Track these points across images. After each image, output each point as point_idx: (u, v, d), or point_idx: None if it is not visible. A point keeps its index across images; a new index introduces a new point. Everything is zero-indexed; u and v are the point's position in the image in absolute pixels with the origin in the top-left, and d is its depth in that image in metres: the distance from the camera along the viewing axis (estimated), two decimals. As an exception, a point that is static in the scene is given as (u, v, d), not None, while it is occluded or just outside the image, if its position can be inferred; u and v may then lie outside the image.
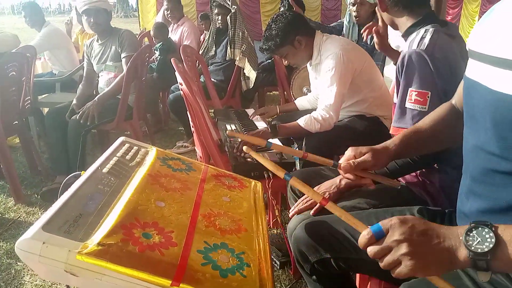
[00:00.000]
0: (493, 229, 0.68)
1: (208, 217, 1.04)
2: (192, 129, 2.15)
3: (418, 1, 1.37)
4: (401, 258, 0.71)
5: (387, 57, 3.07)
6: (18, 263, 1.97)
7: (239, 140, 1.89)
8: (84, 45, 3.06)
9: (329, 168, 1.60)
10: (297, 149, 2.49)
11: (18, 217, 2.44)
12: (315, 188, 1.39)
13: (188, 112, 2.02)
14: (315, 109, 2.03)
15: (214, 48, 3.67)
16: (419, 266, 0.70)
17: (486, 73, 0.79)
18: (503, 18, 0.78)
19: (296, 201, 1.52)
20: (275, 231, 2.18)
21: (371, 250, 0.75)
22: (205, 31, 5.02)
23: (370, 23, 1.84)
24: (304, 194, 1.44)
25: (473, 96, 0.85)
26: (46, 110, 3.34)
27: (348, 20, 3.32)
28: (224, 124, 2.32)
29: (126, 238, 0.84)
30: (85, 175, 1.04)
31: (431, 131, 1.10)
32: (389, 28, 2.93)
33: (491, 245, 0.67)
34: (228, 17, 3.37)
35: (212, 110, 3.06)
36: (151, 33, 4.28)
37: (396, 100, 1.36)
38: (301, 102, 2.47)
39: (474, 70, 0.85)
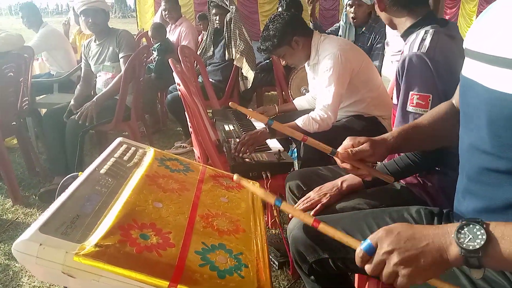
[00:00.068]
0: (484, 226, 0.68)
1: (206, 217, 1.03)
2: (190, 129, 2.15)
3: (417, 1, 1.36)
4: (396, 268, 0.72)
5: (384, 57, 3.09)
6: (16, 265, 1.96)
7: (237, 141, 1.89)
8: (82, 46, 3.06)
9: (327, 168, 1.60)
10: (295, 149, 2.49)
11: (16, 218, 2.44)
12: (316, 189, 1.38)
13: (186, 112, 2.01)
14: (313, 109, 2.03)
15: (212, 49, 3.66)
16: (415, 272, 0.71)
17: (482, 71, 0.79)
18: (499, 17, 0.78)
19: (294, 201, 1.52)
20: (274, 231, 2.18)
21: (368, 268, 0.75)
22: (203, 32, 5.02)
23: None
24: (304, 194, 1.44)
25: (469, 95, 0.85)
26: (44, 111, 3.34)
27: (344, 20, 3.32)
28: (222, 124, 2.32)
29: (124, 239, 0.83)
30: (82, 176, 1.04)
31: (430, 127, 1.09)
32: (389, 30, 2.95)
33: (482, 242, 0.67)
34: (226, 16, 3.37)
35: (210, 111, 3.06)
36: (149, 33, 4.28)
37: (395, 101, 1.36)
38: (299, 102, 2.47)
39: (470, 69, 0.85)
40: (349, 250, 1.08)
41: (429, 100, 1.21)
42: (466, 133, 0.88)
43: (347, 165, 1.08)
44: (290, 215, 1.39)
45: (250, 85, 3.58)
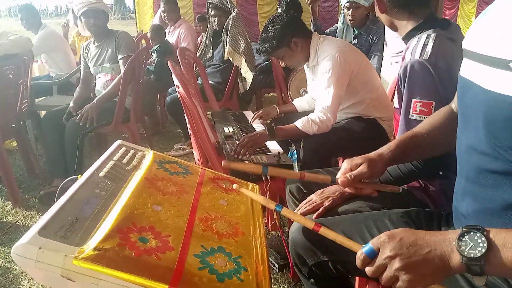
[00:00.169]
0: (485, 233, 0.68)
1: (205, 220, 1.03)
2: (190, 131, 2.15)
3: (419, 2, 1.34)
4: (397, 273, 0.72)
5: (383, 59, 3.09)
6: (16, 267, 1.96)
7: (236, 143, 1.89)
8: (81, 48, 3.06)
9: (327, 170, 1.60)
10: (295, 151, 2.49)
11: (16, 221, 2.44)
12: (319, 192, 1.38)
13: (185, 114, 2.01)
14: (313, 110, 2.03)
15: (211, 50, 3.67)
16: (416, 278, 0.71)
17: (480, 72, 0.80)
18: (497, 18, 0.78)
19: (295, 203, 1.52)
20: (274, 234, 2.18)
21: (368, 270, 0.76)
22: (202, 33, 5.02)
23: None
24: (304, 197, 1.43)
25: (466, 96, 0.85)
26: (43, 113, 3.34)
27: (342, 21, 3.33)
28: (222, 126, 2.32)
29: (123, 242, 0.83)
30: (81, 179, 1.04)
31: (428, 136, 1.09)
32: (388, 32, 2.95)
33: (483, 250, 0.67)
34: (229, 18, 3.38)
35: (210, 112, 3.06)
36: (148, 35, 4.28)
37: (397, 105, 1.35)
38: (299, 103, 2.47)
39: (468, 70, 0.85)
40: (349, 253, 1.08)
41: (432, 107, 1.20)
42: (464, 134, 0.88)
43: (349, 189, 1.09)
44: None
45: (249, 86, 3.58)
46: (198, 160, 2.12)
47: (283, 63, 2.20)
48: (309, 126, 1.95)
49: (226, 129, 2.26)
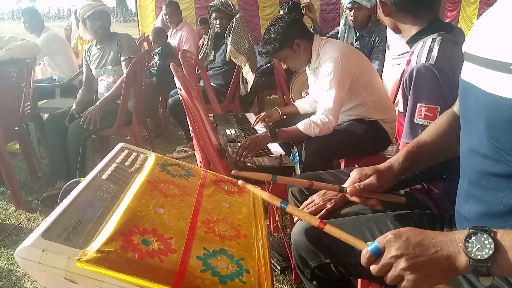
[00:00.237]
0: (492, 234, 0.68)
1: (207, 223, 1.04)
2: (192, 134, 2.15)
3: (424, 6, 1.33)
4: (402, 272, 0.71)
5: (385, 61, 3.09)
6: (19, 270, 1.97)
7: (238, 145, 1.89)
8: (83, 51, 3.07)
9: (328, 172, 1.60)
10: (297, 153, 2.49)
11: (19, 223, 2.44)
12: (321, 193, 1.37)
13: (187, 117, 2.02)
14: (315, 112, 2.03)
15: (213, 53, 3.67)
16: (421, 278, 0.71)
17: (480, 75, 0.80)
18: (498, 20, 0.79)
19: (297, 205, 1.52)
20: (276, 236, 2.18)
21: (373, 269, 0.76)
22: (204, 36, 5.04)
23: None
24: (306, 199, 1.43)
25: (468, 99, 0.85)
26: (46, 115, 3.35)
27: (344, 23, 3.33)
28: (224, 128, 2.32)
29: (125, 245, 0.84)
30: (84, 181, 1.05)
31: (434, 143, 1.09)
32: (389, 34, 2.95)
33: (490, 252, 0.67)
34: (232, 21, 3.39)
35: (212, 115, 3.06)
36: (150, 38, 4.29)
37: (401, 109, 1.35)
38: (301, 104, 2.47)
39: (469, 72, 0.85)
40: (351, 255, 1.09)
41: (437, 112, 1.20)
42: (466, 137, 0.88)
43: (356, 199, 1.09)
44: (294, 219, 1.38)
45: (250, 88, 3.58)
46: (200, 162, 2.13)
47: (285, 65, 2.21)
48: (311, 128, 1.95)
49: (228, 131, 2.27)
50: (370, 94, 2.10)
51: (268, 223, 2.22)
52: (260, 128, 2.34)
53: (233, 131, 2.27)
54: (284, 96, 3.63)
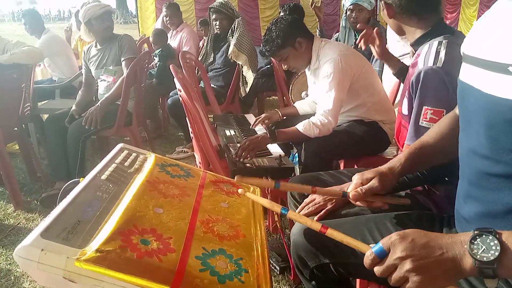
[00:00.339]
0: (497, 236, 0.68)
1: (206, 223, 1.04)
2: (191, 134, 2.15)
3: (429, 8, 1.33)
4: (407, 274, 0.71)
5: (385, 63, 3.09)
6: (18, 270, 1.97)
7: (238, 146, 1.90)
8: (83, 52, 3.08)
9: (328, 173, 1.60)
10: (296, 154, 2.50)
11: (18, 224, 2.44)
12: (315, 196, 1.37)
13: (187, 118, 2.02)
14: (315, 114, 2.04)
15: (212, 55, 3.68)
16: (426, 280, 0.70)
17: (479, 76, 0.80)
18: (496, 22, 0.79)
19: (296, 206, 1.52)
20: (275, 237, 2.18)
21: (377, 270, 0.75)
22: (204, 37, 5.05)
23: (364, 31, 1.84)
24: (304, 198, 1.43)
25: (466, 100, 0.86)
26: (45, 116, 3.35)
27: (344, 25, 3.34)
28: (223, 129, 2.32)
29: (124, 244, 0.84)
30: (83, 182, 1.05)
31: (436, 145, 1.09)
32: (389, 35, 2.95)
33: (496, 253, 0.66)
34: (235, 22, 3.40)
35: (211, 116, 3.06)
36: (150, 39, 4.30)
37: (405, 111, 1.34)
38: (301, 106, 2.48)
39: (467, 74, 0.86)
40: (350, 255, 1.09)
41: (443, 115, 1.20)
42: (465, 138, 0.88)
43: (360, 203, 1.09)
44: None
45: (249, 88, 3.58)
46: (200, 163, 2.13)
47: (286, 66, 2.20)
48: (310, 129, 1.95)
49: (227, 132, 2.27)
50: (370, 95, 2.10)
51: (267, 224, 2.22)
52: (260, 129, 2.35)
53: (232, 132, 2.28)
54: (284, 97, 3.63)
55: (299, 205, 1.48)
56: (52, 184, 2.85)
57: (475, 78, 0.81)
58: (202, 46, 4.12)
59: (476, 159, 0.83)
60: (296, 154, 2.50)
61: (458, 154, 0.96)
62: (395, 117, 2.00)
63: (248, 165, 1.81)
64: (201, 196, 1.17)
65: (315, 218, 1.31)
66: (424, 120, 1.23)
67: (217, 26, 3.51)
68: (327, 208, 1.33)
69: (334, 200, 1.34)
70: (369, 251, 0.76)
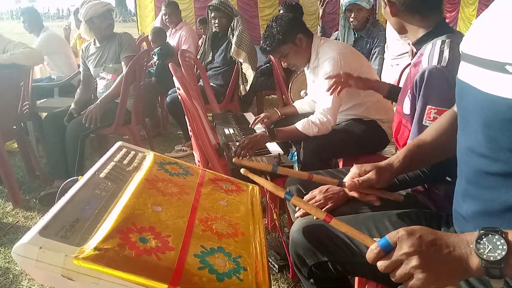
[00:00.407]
0: (504, 235, 0.67)
1: (205, 221, 1.04)
2: (190, 133, 2.15)
3: (432, 7, 1.33)
4: (413, 271, 0.70)
5: (384, 61, 3.10)
6: (16, 268, 1.97)
7: (237, 144, 1.90)
8: (81, 50, 3.07)
9: (327, 171, 1.60)
10: (295, 153, 2.50)
11: (17, 222, 2.44)
12: (323, 189, 1.37)
13: (186, 116, 2.02)
14: (314, 112, 2.04)
15: (211, 53, 3.67)
16: (432, 278, 0.69)
17: (476, 75, 0.80)
18: (493, 21, 0.79)
19: (294, 205, 1.52)
20: (274, 235, 2.19)
21: (381, 264, 0.74)
22: (203, 36, 5.04)
23: (333, 81, 1.86)
24: (302, 193, 1.43)
25: (464, 98, 0.86)
26: (44, 115, 3.35)
27: (343, 24, 3.34)
28: (222, 128, 2.32)
29: (123, 242, 0.84)
30: (82, 180, 1.05)
31: (434, 143, 1.10)
32: (389, 34, 2.95)
33: (503, 253, 0.66)
34: (234, 20, 3.40)
35: (210, 114, 3.06)
36: (149, 38, 4.29)
37: (407, 111, 1.34)
38: (300, 105, 2.48)
39: (465, 73, 0.86)
40: (348, 253, 1.09)
41: None
42: (463, 136, 0.88)
43: (355, 194, 1.09)
44: (296, 215, 1.37)
45: (249, 86, 3.57)
46: (199, 161, 2.13)
47: (285, 63, 2.18)
48: (309, 127, 1.95)
49: (226, 131, 2.27)
50: (369, 94, 2.10)
51: (266, 222, 2.22)
52: (259, 128, 2.35)
53: (231, 131, 2.28)
54: (283, 96, 3.64)
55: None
56: (51, 182, 2.84)
57: (473, 77, 0.81)
58: (201, 45, 4.12)
59: (474, 158, 0.83)
60: (295, 153, 2.50)
61: (456, 153, 0.96)
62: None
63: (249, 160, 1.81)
64: (200, 194, 1.17)
65: (314, 217, 1.31)
66: (428, 120, 1.23)
67: (216, 24, 3.51)
68: (327, 207, 1.32)
69: (333, 200, 1.33)
70: (374, 244, 0.74)
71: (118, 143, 1.31)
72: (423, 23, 1.34)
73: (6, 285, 1.87)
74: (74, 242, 0.81)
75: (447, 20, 1.42)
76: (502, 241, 0.66)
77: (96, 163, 1.16)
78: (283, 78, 3.60)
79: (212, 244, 0.95)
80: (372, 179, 1.06)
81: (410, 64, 1.55)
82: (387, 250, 0.73)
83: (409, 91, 1.31)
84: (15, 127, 2.85)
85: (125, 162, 1.20)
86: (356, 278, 1.35)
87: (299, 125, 1.97)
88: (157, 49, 4.08)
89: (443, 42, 1.24)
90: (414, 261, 0.70)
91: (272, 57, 3.71)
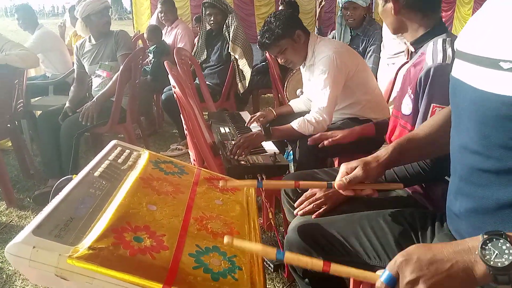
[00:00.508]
0: (509, 239, 0.66)
1: (200, 220, 1.03)
2: (186, 131, 2.15)
3: (433, 6, 1.34)
4: None
5: (380, 61, 3.10)
6: (10, 268, 1.95)
7: (233, 143, 1.89)
8: (75, 47, 3.04)
9: (323, 170, 1.60)
10: (291, 152, 2.49)
11: (10, 221, 2.43)
12: (316, 190, 1.35)
13: (181, 115, 2.01)
14: (310, 111, 2.04)
15: (205, 52, 3.66)
16: None
17: (471, 72, 0.80)
18: (488, 19, 0.80)
19: (290, 204, 1.52)
20: (269, 234, 2.18)
21: None
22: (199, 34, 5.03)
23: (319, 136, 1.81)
24: (299, 197, 1.42)
25: (458, 95, 0.86)
26: (39, 113, 3.33)
27: (340, 22, 3.35)
28: (218, 126, 2.32)
29: (117, 242, 0.83)
30: (76, 178, 1.04)
31: (427, 136, 1.09)
32: (385, 33, 2.96)
33: (511, 257, 0.64)
34: (228, 17, 3.40)
35: (206, 113, 3.06)
36: (145, 35, 4.28)
37: (406, 111, 1.33)
38: (296, 104, 2.48)
39: (459, 70, 0.86)
40: (344, 253, 1.09)
41: None
42: (457, 134, 0.89)
43: (349, 192, 1.08)
44: (295, 213, 1.35)
45: (247, 84, 3.56)
46: (194, 160, 2.12)
47: (283, 59, 2.16)
48: (305, 126, 1.95)
49: (222, 130, 2.26)
50: (365, 93, 2.10)
51: (261, 221, 2.22)
52: (255, 127, 2.34)
53: (227, 129, 2.27)
54: (279, 95, 3.63)
55: (293, 202, 1.48)
56: (45, 181, 2.83)
57: (467, 74, 0.82)
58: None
59: (467, 155, 0.83)
60: (291, 152, 2.50)
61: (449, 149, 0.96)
62: (389, 115, 2.00)
63: (242, 162, 1.81)
64: (195, 193, 1.17)
65: (313, 216, 1.31)
66: None
67: (212, 21, 3.50)
68: (325, 207, 1.32)
69: (334, 197, 1.32)
70: (379, 282, 0.73)
71: (113, 142, 1.31)
72: (423, 22, 1.34)
73: (0, 285, 1.86)
74: (68, 241, 0.80)
75: (443, 19, 1.43)
76: (508, 245, 0.65)
77: (91, 161, 1.15)
78: (279, 77, 3.59)
79: (207, 243, 0.94)
80: (359, 175, 1.06)
81: (405, 63, 1.55)
82: (392, 284, 0.72)
83: (410, 90, 1.31)
84: (9, 125, 2.83)
85: (119, 160, 1.20)
86: (352, 278, 1.35)
87: (295, 124, 1.97)
88: (152, 47, 4.06)
89: (444, 41, 1.25)
90: (421, 287, 0.69)
91: (268, 56, 3.70)
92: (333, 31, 3.59)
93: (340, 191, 1.09)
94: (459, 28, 11.12)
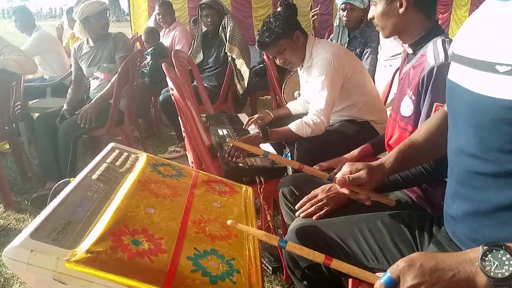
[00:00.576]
0: (508, 250, 0.66)
1: (198, 223, 1.03)
2: (184, 134, 2.14)
3: (434, 7, 1.35)
4: None
5: (378, 62, 3.11)
6: (7, 271, 1.94)
7: (231, 145, 1.89)
8: (72, 49, 3.04)
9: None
10: (289, 154, 2.50)
11: (8, 224, 2.42)
12: (325, 189, 1.35)
13: (179, 117, 2.01)
14: (307, 113, 2.04)
15: (200, 54, 3.66)
16: None
17: (467, 75, 0.81)
18: (483, 22, 0.80)
19: (287, 206, 1.52)
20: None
21: None
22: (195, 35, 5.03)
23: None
24: (297, 199, 1.43)
25: (454, 99, 0.86)
26: (36, 115, 3.32)
27: (338, 23, 3.36)
28: (216, 129, 2.32)
29: (115, 245, 0.83)
30: (74, 181, 1.04)
31: (426, 143, 1.10)
32: (383, 38, 2.96)
33: (511, 269, 0.65)
34: (224, 18, 3.40)
35: (204, 115, 3.05)
36: (143, 37, 4.28)
37: (407, 113, 1.33)
38: (294, 106, 2.48)
39: (455, 73, 0.86)
40: (342, 255, 1.09)
41: None
42: (454, 137, 0.89)
43: (345, 190, 1.09)
44: (297, 214, 1.35)
45: (246, 83, 3.56)
46: (192, 162, 2.12)
47: (281, 60, 2.15)
48: (302, 128, 1.95)
49: (220, 132, 2.26)
50: (362, 95, 2.11)
51: (260, 224, 2.22)
52: (253, 129, 2.34)
53: (225, 132, 2.27)
54: (277, 97, 3.64)
55: (290, 204, 1.49)
56: (43, 184, 2.82)
57: (463, 77, 0.82)
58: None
59: (464, 158, 0.83)
60: (289, 154, 2.50)
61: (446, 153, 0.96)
62: (387, 117, 2.00)
63: (240, 164, 1.81)
64: (193, 196, 1.17)
65: (314, 217, 1.31)
66: None
67: (209, 22, 3.50)
68: (327, 209, 1.32)
69: (336, 199, 1.32)
70: (378, 283, 0.73)
71: (111, 144, 1.30)
72: (425, 23, 1.36)
73: (-3, 288, 1.85)
74: (66, 245, 0.80)
75: (439, 22, 1.44)
76: (508, 256, 0.66)
77: (89, 164, 1.15)
78: (276, 79, 3.60)
79: (205, 246, 0.94)
80: (363, 177, 1.06)
81: (402, 66, 1.55)
82: (391, 286, 0.72)
83: (410, 92, 1.31)
84: (7, 128, 2.82)
85: (117, 163, 1.19)
86: (350, 280, 1.35)
87: (293, 126, 1.97)
88: (150, 49, 4.06)
89: (443, 41, 1.26)
90: None
91: (265, 57, 3.70)
92: (331, 35, 3.60)
93: (338, 186, 1.10)
94: (456, 30, 11.15)
